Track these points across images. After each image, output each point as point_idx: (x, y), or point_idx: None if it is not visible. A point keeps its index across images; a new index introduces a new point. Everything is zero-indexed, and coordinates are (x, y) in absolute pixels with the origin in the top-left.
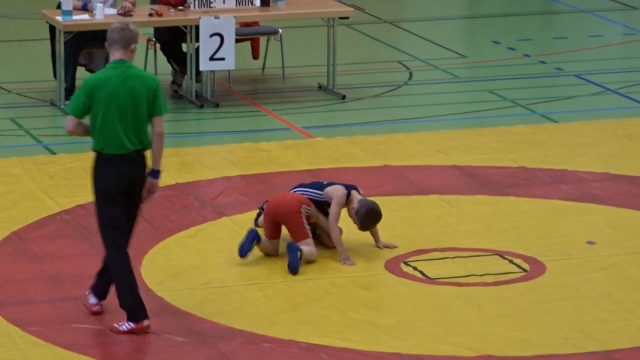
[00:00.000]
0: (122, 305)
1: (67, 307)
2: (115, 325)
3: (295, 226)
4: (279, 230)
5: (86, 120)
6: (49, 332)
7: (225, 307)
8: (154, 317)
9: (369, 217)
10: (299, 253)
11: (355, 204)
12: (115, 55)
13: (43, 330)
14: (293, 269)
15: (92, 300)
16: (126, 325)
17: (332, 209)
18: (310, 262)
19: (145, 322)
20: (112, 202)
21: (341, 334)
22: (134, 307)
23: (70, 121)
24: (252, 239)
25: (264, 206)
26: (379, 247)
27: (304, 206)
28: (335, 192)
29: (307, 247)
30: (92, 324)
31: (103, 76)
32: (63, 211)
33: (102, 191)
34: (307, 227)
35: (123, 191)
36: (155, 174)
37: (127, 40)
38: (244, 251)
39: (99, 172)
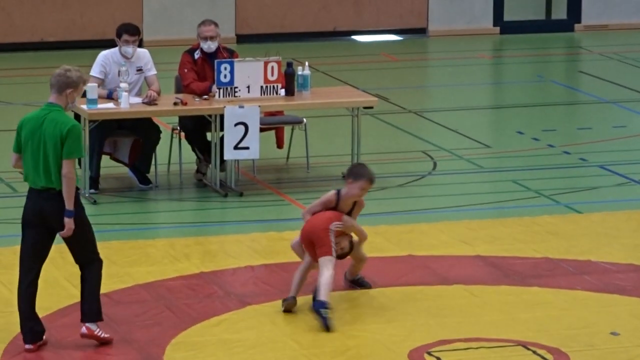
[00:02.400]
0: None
1: None
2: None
3: (321, 242)
4: None
5: None
6: None
7: None
8: None
9: (358, 166)
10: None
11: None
12: (50, 98)
13: None
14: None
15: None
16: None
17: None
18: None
19: (27, 346)
20: (26, 229)
21: None
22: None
23: (12, 157)
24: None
25: (287, 304)
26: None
27: (334, 223)
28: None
29: (327, 271)
30: None
31: (29, 117)
32: None
33: (22, 217)
34: (334, 246)
35: (35, 222)
36: (67, 213)
37: (61, 85)
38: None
39: (26, 201)
